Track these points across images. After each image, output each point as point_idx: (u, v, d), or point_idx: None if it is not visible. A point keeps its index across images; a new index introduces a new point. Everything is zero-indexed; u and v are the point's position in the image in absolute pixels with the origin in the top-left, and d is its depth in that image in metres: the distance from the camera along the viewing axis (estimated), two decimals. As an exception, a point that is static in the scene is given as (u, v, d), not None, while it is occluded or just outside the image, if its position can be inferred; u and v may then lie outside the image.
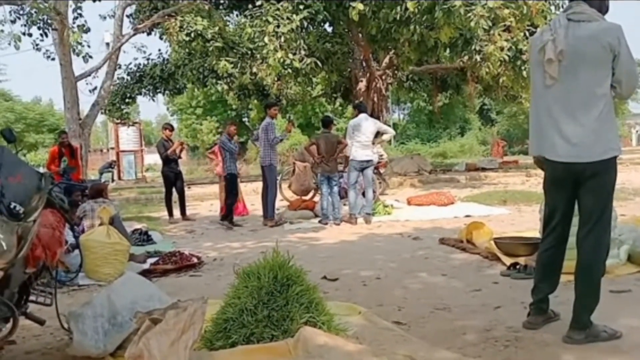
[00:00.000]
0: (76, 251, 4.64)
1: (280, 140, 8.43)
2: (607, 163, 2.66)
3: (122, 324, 2.76)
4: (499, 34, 11.27)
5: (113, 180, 19.76)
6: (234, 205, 8.70)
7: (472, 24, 10.42)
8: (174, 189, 9.41)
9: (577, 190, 2.77)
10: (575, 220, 2.87)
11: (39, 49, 12.71)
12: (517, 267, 4.26)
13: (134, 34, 13.23)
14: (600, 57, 2.62)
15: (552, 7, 12.47)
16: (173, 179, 9.34)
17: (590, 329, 2.73)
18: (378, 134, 8.18)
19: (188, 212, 9.73)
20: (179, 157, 9.56)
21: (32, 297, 2.83)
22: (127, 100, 17.04)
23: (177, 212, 9.45)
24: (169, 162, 9.27)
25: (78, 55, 12.08)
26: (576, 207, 2.85)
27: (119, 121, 18.56)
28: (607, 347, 2.66)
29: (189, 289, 4.33)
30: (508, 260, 4.50)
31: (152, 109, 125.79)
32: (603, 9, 2.76)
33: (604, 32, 2.63)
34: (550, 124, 2.74)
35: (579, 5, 2.70)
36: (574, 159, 2.67)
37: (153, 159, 34.38)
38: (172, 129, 9.77)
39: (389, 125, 11.73)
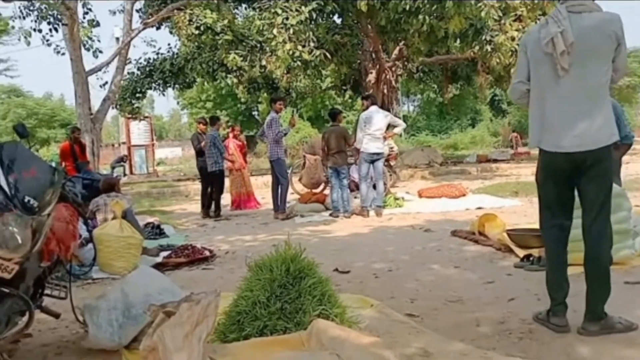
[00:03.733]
0: (90, 245, 4.68)
1: (285, 134, 8.41)
2: (608, 149, 2.70)
3: (136, 316, 2.77)
4: (510, 24, 11.18)
5: (125, 175, 19.97)
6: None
7: (483, 14, 10.34)
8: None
9: (576, 180, 2.78)
10: (576, 213, 2.86)
11: (49, 44, 12.81)
12: (531, 258, 4.23)
13: (144, 29, 13.28)
14: (606, 47, 2.66)
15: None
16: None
17: (605, 320, 2.71)
18: (389, 127, 8.15)
19: (195, 206, 9.77)
20: None
21: (47, 291, 2.86)
22: (137, 94, 17.12)
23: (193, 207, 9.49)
24: (203, 155, 9.26)
25: (88, 50, 12.19)
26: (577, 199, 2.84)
27: (130, 116, 18.66)
28: (623, 339, 2.63)
29: (202, 282, 4.35)
30: (521, 252, 4.46)
31: (164, 103, 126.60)
32: None
33: (608, 23, 2.66)
34: (557, 116, 2.73)
35: None
36: (577, 148, 2.68)
37: (164, 153, 34.63)
38: (205, 123, 9.74)
39: (399, 118, 11.67)
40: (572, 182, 2.81)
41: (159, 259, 5.32)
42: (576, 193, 2.85)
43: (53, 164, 2.75)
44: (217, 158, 8.90)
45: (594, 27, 2.64)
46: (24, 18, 12.42)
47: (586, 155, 2.67)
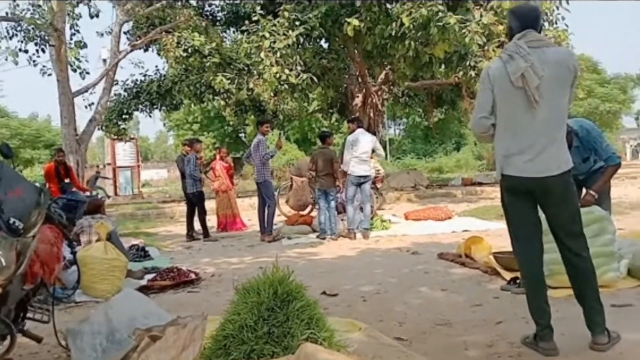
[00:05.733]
0: (73, 267, 4.59)
1: (271, 157, 8.45)
2: (569, 174, 2.83)
3: (120, 341, 2.72)
4: (494, 50, 11.37)
5: (109, 197, 19.75)
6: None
7: (467, 40, 10.52)
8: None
9: (543, 204, 2.89)
10: (550, 237, 2.94)
11: (35, 65, 12.76)
12: (517, 281, 4.24)
13: (131, 50, 13.32)
14: (568, 80, 2.80)
15: (546, 24, 12.63)
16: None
17: (610, 332, 2.81)
18: (373, 152, 8.20)
19: (181, 227, 9.71)
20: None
21: (29, 314, 2.79)
22: (124, 116, 17.06)
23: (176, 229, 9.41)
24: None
25: (75, 71, 12.15)
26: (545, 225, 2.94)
27: (115, 137, 18.56)
28: (611, 361, 2.64)
29: (188, 306, 4.29)
30: (508, 275, 4.48)
31: (150, 124, 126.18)
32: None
33: (568, 56, 2.82)
34: (529, 144, 2.80)
35: (531, 33, 2.81)
36: (546, 172, 2.78)
37: (149, 174, 34.40)
38: (191, 145, 9.82)
39: (385, 141, 11.78)
40: (537, 205, 2.92)
41: (143, 282, 5.24)
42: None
43: (38, 185, 2.70)
44: (195, 180, 8.91)
45: (557, 60, 2.76)
46: (10, 38, 12.40)
47: (555, 179, 2.79)
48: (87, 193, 10.32)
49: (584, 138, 4.23)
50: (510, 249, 3.31)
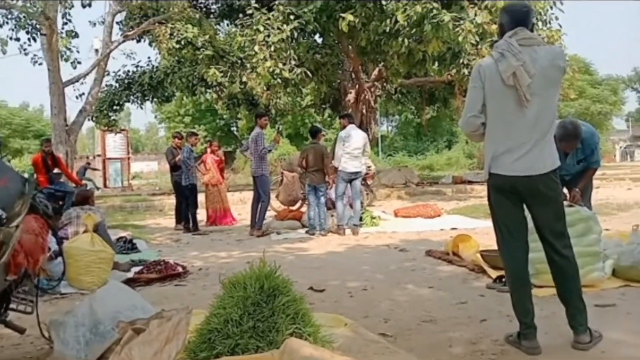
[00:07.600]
0: (59, 258, 4.56)
1: (269, 151, 8.40)
2: (555, 173, 2.84)
3: (104, 333, 2.71)
4: (486, 49, 11.40)
5: (98, 188, 19.64)
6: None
7: (460, 38, 10.55)
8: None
9: (529, 203, 2.91)
10: (536, 236, 2.96)
11: (26, 54, 12.61)
12: (503, 280, 4.26)
13: (124, 41, 13.21)
14: (558, 79, 2.83)
15: (540, 23, 12.68)
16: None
17: (592, 331, 2.83)
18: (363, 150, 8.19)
19: (170, 220, 9.70)
20: None
21: (12, 305, 2.77)
22: (114, 107, 16.96)
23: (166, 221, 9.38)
24: (177, 169, 9.28)
25: (66, 60, 12.05)
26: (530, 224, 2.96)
27: (106, 128, 18.44)
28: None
29: (174, 299, 4.27)
30: (494, 273, 4.50)
31: (142, 116, 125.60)
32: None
33: (558, 56, 2.84)
34: (515, 144, 2.81)
35: (523, 31, 2.81)
36: (533, 171, 2.79)
37: (140, 166, 34.22)
38: (181, 137, 9.90)
39: (377, 138, 11.78)
40: (523, 204, 2.93)
41: (130, 274, 5.22)
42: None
43: (26, 175, 2.67)
44: (188, 173, 8.91)
45: (548, 59, 2.77)
46: (1, 26, 12.26)
47: (540, 178, 2.80)
48: (81, 184, 10.23)
49: (586, 141, 4.38)
50: (496, 247, 3.36)
